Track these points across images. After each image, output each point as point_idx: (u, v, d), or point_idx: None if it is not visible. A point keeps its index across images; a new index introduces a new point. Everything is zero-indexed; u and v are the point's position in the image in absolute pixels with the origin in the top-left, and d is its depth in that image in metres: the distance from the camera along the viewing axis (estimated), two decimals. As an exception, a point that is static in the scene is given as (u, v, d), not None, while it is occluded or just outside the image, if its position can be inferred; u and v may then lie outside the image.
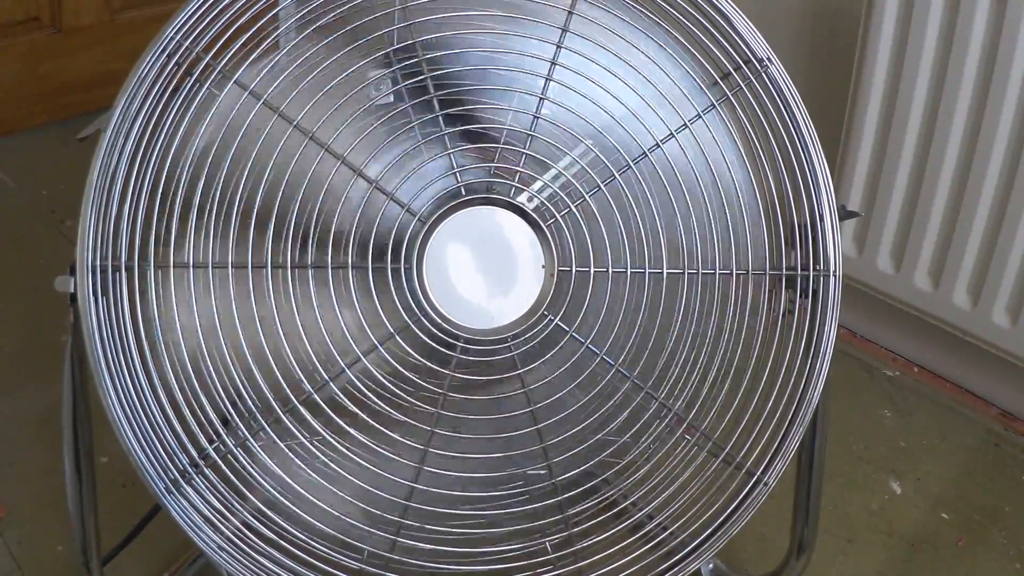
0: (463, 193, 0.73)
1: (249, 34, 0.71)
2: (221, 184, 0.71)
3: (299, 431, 0.73)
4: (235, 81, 0.71)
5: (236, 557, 0.75)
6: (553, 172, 0.75)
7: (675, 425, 0.78)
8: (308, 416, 0.73)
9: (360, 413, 0.73)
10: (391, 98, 0.73)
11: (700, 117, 0.76)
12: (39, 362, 1.25)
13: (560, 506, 0.78)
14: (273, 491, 0.73)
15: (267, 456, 0.73)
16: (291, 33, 0.72)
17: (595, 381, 0.76)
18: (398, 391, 0.74)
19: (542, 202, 0.74)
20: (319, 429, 0.73)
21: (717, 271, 0.77)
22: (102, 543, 0.83)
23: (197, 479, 0.74)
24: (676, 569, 0.80)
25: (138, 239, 0.71)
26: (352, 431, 0.73)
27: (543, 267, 0.74)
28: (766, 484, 0.79)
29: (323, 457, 0.74)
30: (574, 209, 0.74)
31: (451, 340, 0.74)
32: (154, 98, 0.71)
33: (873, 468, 1.16)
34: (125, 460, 0.73)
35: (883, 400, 1.26)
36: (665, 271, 0.76)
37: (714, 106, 0.77)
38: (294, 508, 0.74)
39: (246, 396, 0.73)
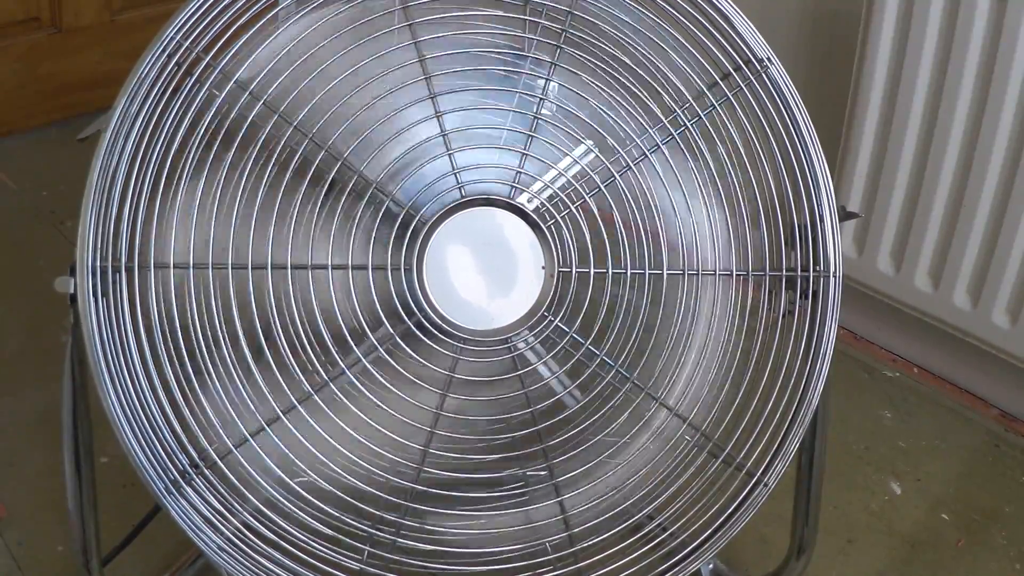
0: (463, 194, 0.73)
1: (249, 34, 0.71)
2: (221, 185, 0.71)
3: (298, 432, 0.73)
4: (235, 81, 0.71)
5: (236, 557, 0.75)
6: (553, 173, 0.75)
7: (675, 426, 0.78)
8: (307, 416, 0.73)
9: (360, 414, 0.73)
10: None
11: (700, 118, 0.76)
12: (39, 362, 1.25)
13: (560, 506, 0.78)
14: (273, 491, 0.74)
15: (267, 456, 0.73)
16: (291, 33, 0.72)
17: (595, 382, 0.76)
18: (398, 392, 0.74)
19: (542, 203, 0.74)
20: (319, 429, 0.73)
21: (717, 272, 0.77)
22: (102, 543, 0.83)
23: (197, 480, 0.74)
24: (676, 569, 0.80)
25: (138, 239, 0.71)
26: (352, 432, 0.73)
27: (543, 268, 0.74)
28: (766, 485, 0.79)
29: (322, 457, 0.74)
30: (574, 210, 0.74)
31: (451, 341, 0.74)
32: (154, 98, 0.71)
33: (873, 468, 1.16)
34: (125, 460, 0.73)
35: (883, 401, 1.26)
36: (665, 271, 0.76)
37: (714, 107, 0.77)
38: (294, 508, 0.74)
39: (246, 396, 0.73)
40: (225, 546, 0.75)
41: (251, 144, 0.71)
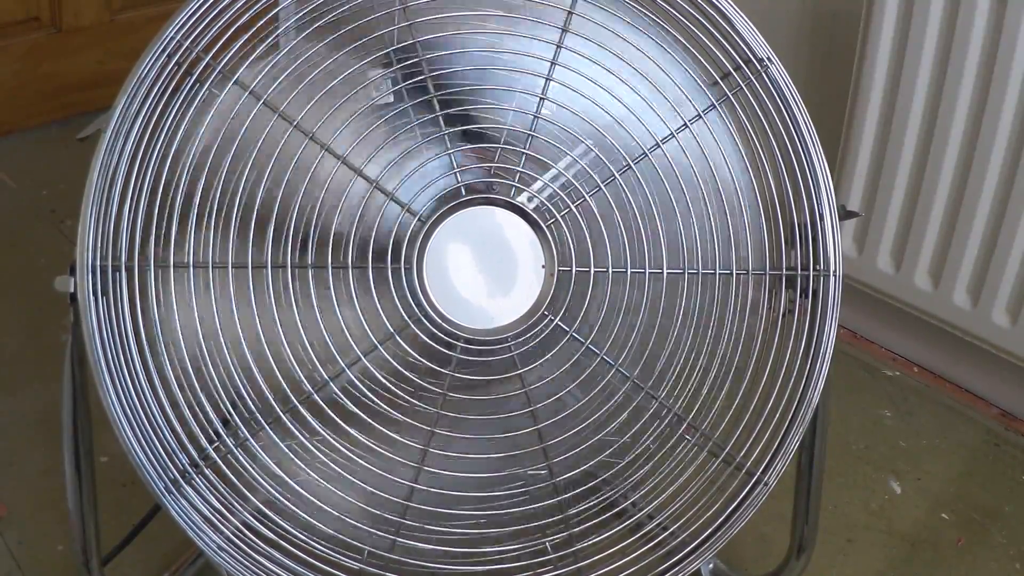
0: (463, 193, 0.73)
1: (249, 34, 0.71)
2: (221, 184, 0.71)
3: (299, 431, 0.73)
4: (235, 81, 0.71)
5: (236, 557, 0.75)
6: (553, 172, 0.75)
7: (675, 425, 0.78)
8: (308, 416, 0.73)
9: (360, 413, 0.73)
10: (391, 98, 0.73)
11: (700, 117, 0.76)
12: (39, 362, 1.25)
13: (560, 506, 0.78)
14: (273, 491, 0.74)
15: (267, 456, 0.73)
16: (291, 33, 0.72)
17: (595, 381, 0.76)
18: (398, 391, 0.74)
19: (542, 202, 0.74)
20: (319, 429, 0.73)
21: (717, 271, 0.77)
22: (102, 543, 0.83)
23: (197, 479, 0.74)
24: (676, 569, 0.80)
25: (138, 239, 0.71)
26: (352, 431, 0.73)
27: (543, 267, 0.74)
28: (766, 484, 0.79)
29: (323, 457, 0.74)
30: (574, 209, 0.74)
31: (451, 340, 0.74)
32: (154, 98, 0.71)
33: (873, 468, 1.16)
34: (125, 460, 0.73)
35: (883, 400, 1.26)
36: (665, 271, 0.76)
37: (714, 106, 0.77)
38: (294, 508, 0.74)
39: (246, 396, 0.73)
40: (225, 546, 0.75)
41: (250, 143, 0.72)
